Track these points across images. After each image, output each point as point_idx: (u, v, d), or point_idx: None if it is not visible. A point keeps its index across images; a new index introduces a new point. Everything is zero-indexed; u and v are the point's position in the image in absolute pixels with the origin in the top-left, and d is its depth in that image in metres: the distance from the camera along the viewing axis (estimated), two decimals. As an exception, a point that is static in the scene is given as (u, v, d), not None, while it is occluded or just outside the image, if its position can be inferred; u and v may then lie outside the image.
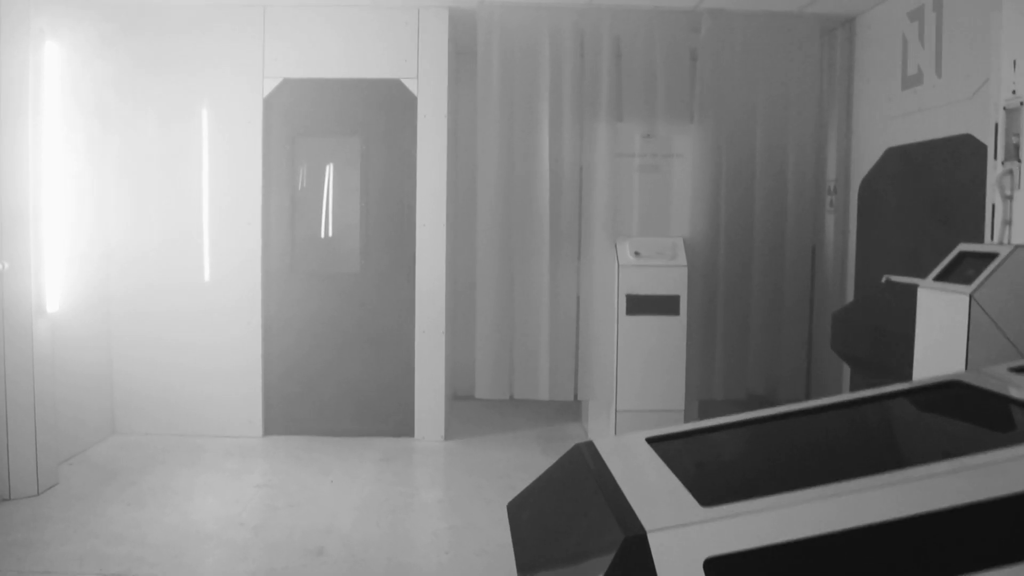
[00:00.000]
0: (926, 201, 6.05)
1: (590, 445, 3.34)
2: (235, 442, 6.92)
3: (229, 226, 7.02)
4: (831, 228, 7.36)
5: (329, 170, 7.22)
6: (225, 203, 7.02)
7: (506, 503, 5.61)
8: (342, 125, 7.13)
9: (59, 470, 5.93)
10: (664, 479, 2.78)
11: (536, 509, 3.28)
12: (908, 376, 4.72)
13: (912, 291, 5.45)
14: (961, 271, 4.46)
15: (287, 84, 6.99)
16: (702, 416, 7.20)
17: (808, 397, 7.40)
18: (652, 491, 2.74)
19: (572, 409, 7.75)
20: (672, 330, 6.75)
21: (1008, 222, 4.58)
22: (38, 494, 5.58)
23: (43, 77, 5.66)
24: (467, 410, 7.86)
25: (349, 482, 6.03)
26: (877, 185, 6.73)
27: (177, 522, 5.24)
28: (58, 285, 5.95)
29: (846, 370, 7.00)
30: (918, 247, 6.11)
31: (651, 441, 3.24)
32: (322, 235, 7.22)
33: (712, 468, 3.19)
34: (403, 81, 6.97)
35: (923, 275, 5.51)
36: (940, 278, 4.53)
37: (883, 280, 6.18)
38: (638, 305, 6.72)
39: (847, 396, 3.69)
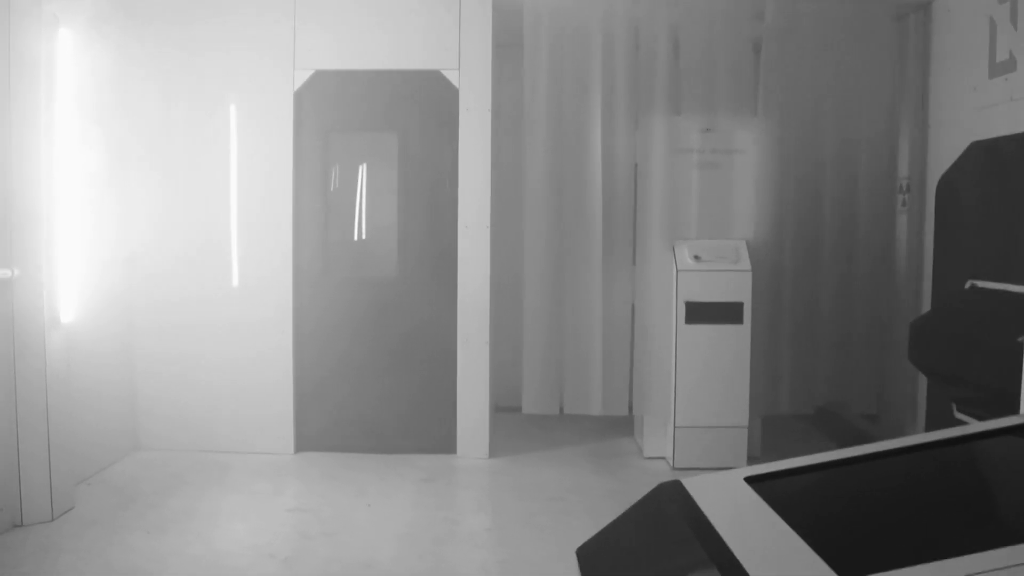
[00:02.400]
0: (1018, 199, 5.52)
1: (677, 485, 2.83)
2: (265, 459, 6.48)
3: (259, 228, 6.59)
4: (903, 229, 6.83)
5: (364, 168, 6.80)
6: (254, 204, 6.59)
7: (559, 529, 5.15)
8: (378, 120, 6.69)
9: (76, 492, 5.50)
10: (782, 537, 2.28)
11: (616, 562, 2.78)
12: (999, 391, 4.23)
13: (1002, 298, 4.99)
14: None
15: (319, 76, 6.55)
16: (766, 433, 6.74)
17: (880, 411, 6.89)
18: (772, 554, 2.24)
19: (623, 423, 7.23)
20: (735, 340, 6.29)
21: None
22: (52, 519, 5.13)
23: (56, 67, 5.20)
24: (510, 423, 7.37)
25: (388, 506, 5.55)
26: (959, 182, 6.20)
27: (201, 553, 4.77)
28: (74, 293, 5.50)
29: (921, 382, 6.49)
30: (1006, 250, 5.59)
31: (751, 481, 2.74)
32: (357, 238, 6.78)
33: (835, 521, 2.68)
34: (443, 72, 6.51)
35: (1012, 281, 5.03)
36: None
37: (967, 286, 5.70)
38: (698, 313, 6.27)
39: (968, 429, 3.19)
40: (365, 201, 6.73)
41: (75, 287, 5.52)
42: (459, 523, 5.30)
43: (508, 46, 6.86)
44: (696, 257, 6.28)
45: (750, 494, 2.67)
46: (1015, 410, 3.38)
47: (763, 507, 2.56)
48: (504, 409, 7.47)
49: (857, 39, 6.60)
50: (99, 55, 6.07)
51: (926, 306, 6.52)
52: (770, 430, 6.86)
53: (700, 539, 2.38)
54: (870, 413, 6.95)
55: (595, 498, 5.70)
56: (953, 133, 6.27)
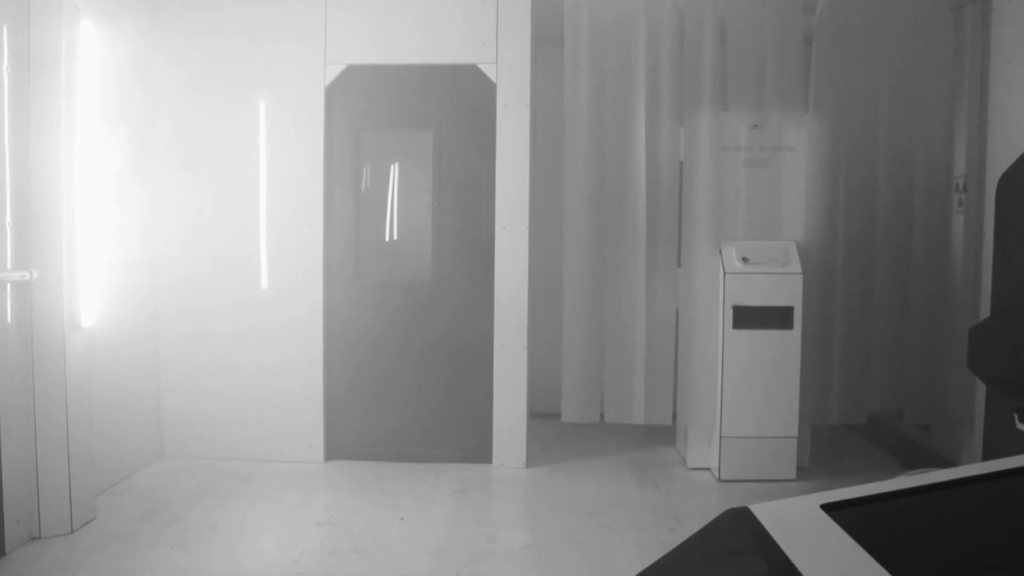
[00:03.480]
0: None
1: (745, 513, 2.53)
2: (294, 468, 6.25)
3: (288, 229, 6.37)
4: (959, 230, 6.49)
5: (397, 166, 6.54)
6: (284, 203, 6.37)
7: (602, 546, 4.91)
8: (412, 116, 6.44)
9: (98, 502, 5.30)
10: (867, 573, 2.00)
11: (678, 599, 2.50)
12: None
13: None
14: None
15: (351, 71, 6.33)
16: (815, 443, 6.44)
17: (934, 421, 6.58)
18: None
19: (664, 431, 6.91)
20: (784, 346, 6.01)
21: None
22: (72, 532, 4.92)
23: (76, 60, 4.96)
24: (546, 430, 7.11)
25: (422, 520, 5.30)
26: (1021, 181, 5.87)
27: (227, 571, 4.53)
28: (95, 295, 5.26)
29: (979, 391, 6.16)
30: (1075, 252, 5.29)
31: (829, 510, 2.45)
32: (390, 239, 6.53)
33: (925, 556, 2.39)
34: (480, 67, 6.26)
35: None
36: None
37: (1030, 290, 5.40)
38: (746, 318, 6.00)
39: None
40: (398, 200, 6.49)
41: (97, 290, 5.28)
42: (496, 539, 5.03)
43: (549, 41, 6.61)
44: (744, 259, 6.00)
45: (829, 524, 2.39)
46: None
47: (844, 539, 2.28)
48: (540, 415, 7.22)
49: (912, 31, 6.28)
50: (123, 49, 5.87)
51: (984, 311, 6.20)
52: (819, 440, 6.58)
53: (776, 574, 2.10)
54: (924, 423, 6.64)
55: (638, 512, 5.44)
56: (1014, 129, 5.95)
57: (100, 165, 5.45)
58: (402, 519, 5.31)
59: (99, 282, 5.34)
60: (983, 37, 6.31)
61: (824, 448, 6.64)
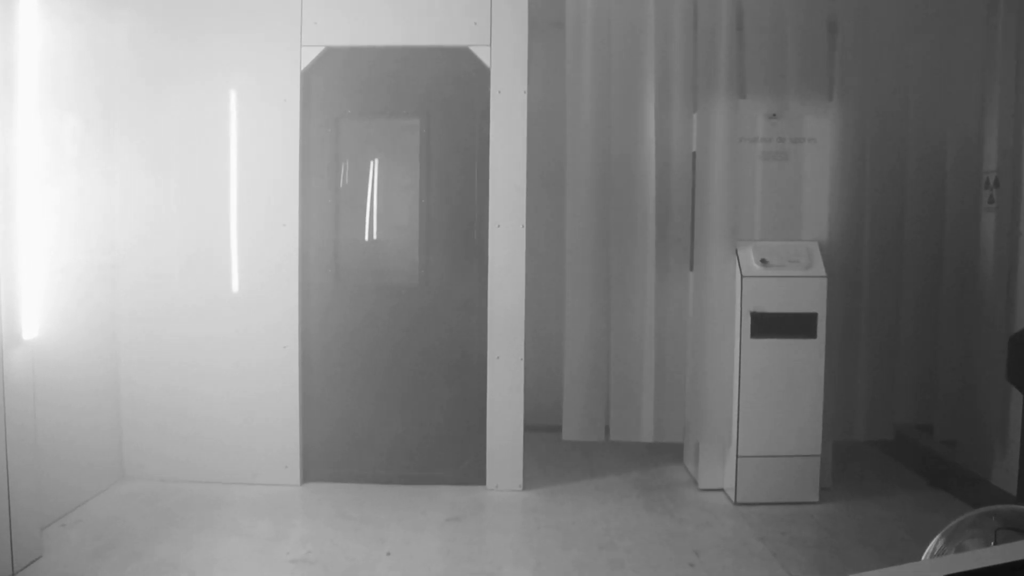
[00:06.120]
0: None
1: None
2: (268, 492, 5.70)
3: (261, 228, 5.87)
4: (990, 229, 6.00)
5: (381, 158, 6.08)
6: (256, 200, 5.86)
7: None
8: (397, 103, 5.95)
9: (46, 535, 4.73)
10: None
11: None
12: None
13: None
14: None
15: (330, 54, 5.83)
16: (837, 462, 5.95)
17: (961, 436, 6.08)
18: None
19: (669, 447, 6.36)
20: (807, 356, 5.57)
21: None
22: (13, 574, 4.33)
23: (16, 42, 4.36)
24: (541, 445, 6.56)
25: (411, 555, 4.74)
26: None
27: (188, 621, 3.97)
28: (41, 304, 4.67)
29: (1015, 404, 5.68)
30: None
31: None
32: (373, 239, 6.03)
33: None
34: (472, 49, 5.77)
35: None
36: None
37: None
38: (765, 325, 5.54)
39: None
40: (382, 196, 6.01)
41: (42, 297, 4.69)
42: (496, 578, 4.48)
43: (547, 21, 6.10)
44: (763, 261, 5.52)
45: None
46: None
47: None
48: (534, 428, 6.66)
49: (942, 17, 5.92)
50: (75, 30, 5.33)
51: (1020, 317, 5.73)
52: (838, 455, 6.08)
53: None
54: (954, 439, 6.17)
55: (652, 544, 4.91)
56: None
57: (47, 158, 4.88)
58: (389, 554, 4.75)
59: (45, 289, 4.75)
60: (1018, 21, 5.85)
61: (844, 465, 6.15)
